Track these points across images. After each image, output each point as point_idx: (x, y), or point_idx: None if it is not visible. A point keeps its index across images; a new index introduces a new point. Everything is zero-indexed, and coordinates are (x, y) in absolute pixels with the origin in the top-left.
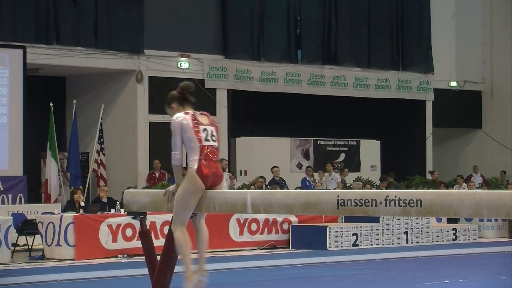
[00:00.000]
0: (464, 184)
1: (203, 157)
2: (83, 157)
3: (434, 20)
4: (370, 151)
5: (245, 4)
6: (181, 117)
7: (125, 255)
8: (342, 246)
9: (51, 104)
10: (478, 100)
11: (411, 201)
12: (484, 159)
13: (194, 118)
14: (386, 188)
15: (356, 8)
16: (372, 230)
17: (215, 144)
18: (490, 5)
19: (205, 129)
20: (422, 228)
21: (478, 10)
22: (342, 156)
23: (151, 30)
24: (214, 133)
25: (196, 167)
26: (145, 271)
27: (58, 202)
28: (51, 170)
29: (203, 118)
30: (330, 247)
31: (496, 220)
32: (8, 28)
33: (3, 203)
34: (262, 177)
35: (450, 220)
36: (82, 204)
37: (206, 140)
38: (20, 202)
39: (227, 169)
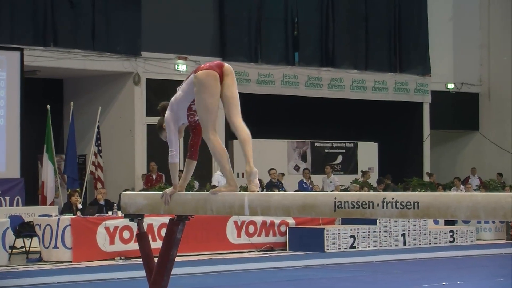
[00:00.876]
0: (462, 186)
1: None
2: (80, 159)
3: (431, 22)
4: (368, 153)
5: (243, 6)
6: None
7: (122, 258)
8: (339, 248)
9: (48, 106)
10: (475, 102)
11: (408, 203)
12: (482, 161)
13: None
14: (384, 190)
15: (353, 10)
16: (369, 232)
17: None
18: (487, 7)
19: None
20: (419, 230)
21: (475, 12)
22: (340, 158)
23: (148, 32)
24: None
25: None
26: (142, 273)
27: (56, 204)
28: (48, 172)
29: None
30: (328, 249)
31: (493, 222)
32: (5, 30)
33: (0, 205)
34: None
35: (447, 222)
36: (80, 206)
37: None
38: (17, 205)
39: None
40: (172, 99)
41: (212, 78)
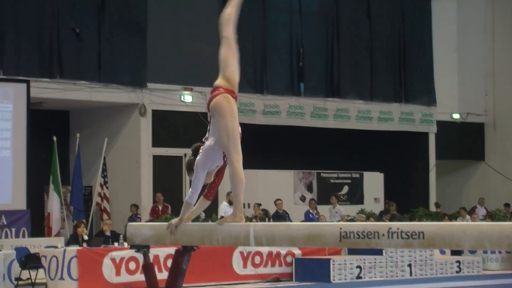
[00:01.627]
0: (468, 216)
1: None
2: (86, 191)
3: (436, 52)
4: (374, 183)
5: (248, 37)
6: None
7: None
8: (345, 279)
9: (54, 138)
10: (481, 132)
11: (414, 233)
12: (488, 191)
13: None
14: (390, 220)
15: (358, 41)
16: (375, 262)
17: None
18: (492, 37)
19: None
20: (425, 260)
21: (480, 42)
22: (346, 189)
23: (154, 63)
24: None
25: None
26: None
27: (62, 235)
28: (53, 203)
29: None
30: (334, 279)
31: (500, 252)
32: (12, 62)
33: (6, 237)
34: (260, 204)
35: (454, 252)
36: (86, 237)
37: None
38: (23, 236)
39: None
40: (206, 145)
41: (230, 100)
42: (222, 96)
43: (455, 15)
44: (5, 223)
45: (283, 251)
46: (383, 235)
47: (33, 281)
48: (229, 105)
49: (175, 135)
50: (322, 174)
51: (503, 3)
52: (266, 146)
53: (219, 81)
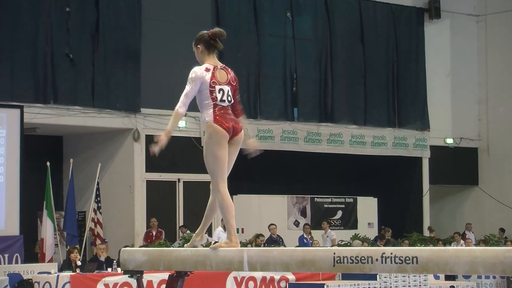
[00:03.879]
0: (462, 241)
1: (217, 111)
2: (80, 216)
3: (429, 77)
4: (367, 208)
5: (242, 63)
6: (203, 72)
7: None
8: None
9: (48, 163)
10: (474, 157)
11: (407, 258)
12: (482, 216)
13: (213, 76)
14: (384, 245)
15: (351, 66)
16: (369, 287)
17: (229, 104)
18: (485, 63)
19: (221, 89)
20: (420, 285)
21: (473, 68)
22: (339, 214)
23: (147, 88)
24: (230, 93)
25: (212, 118)
26: None
27: (55, 261)
28: (47, 229)
29: (221, 75)
30: None
31: (494, 277)
32: (6, 88)
33: None
34: (261, 235)
35: (448, 277)
36: (79, 263)
37: (222, 100)
38: (16, 262)
39: None
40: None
41: (224, 137)
42: (222, 133)
43: (449, 40)
44: None
45: (277, 276)
46: (377, 260)
47: None
48: (223, 141)
49: (168, 160)
50: (316, 199)
51: (496, 28)
52: (259, 171)
53: None
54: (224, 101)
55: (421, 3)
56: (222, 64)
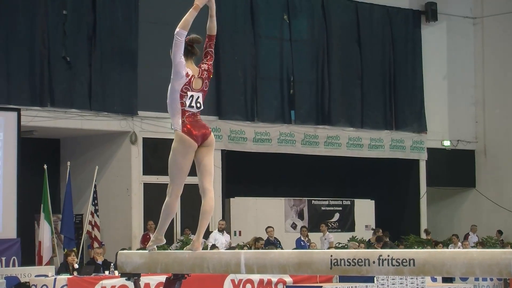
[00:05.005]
0: (459, 243)
1: (186, 119)
2: (77, 219)
3: (426, 80)
4: (365, 210)
5: (238, 65)
6: (186, 71)
7: None
8: None
9: (45, 166)
10: (471, 159)
11: (404, 260)
12: (479, 219)
13: (189, 82)
14: (382, 248)
15: (348, 69)
16: None
17: (198, 110)
18: (482, 65)
19: (191, 96)
20: (417, 287)
21: (470, 70)
22: (337, 216)
23: (144, 91)
24: (200, 99)
25: (180, 127)
26: None
27: (52, 264)
28: (44, 232)
29: (196, 84)
30: None
31: (491, 279)
32: (2, 91)
33: None
34: (260, 238)
35: (445, 280)
36: (76, 266)
37: (190, 106)
38: (13, 265)
39: (224, 230)
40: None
41: (191, 147)
42: (189, 141)
43: (445, 43)
44: None
45: (274, 278)
46: (374, 262)
47: None
48: (188, 150)
49: (166, 163)
50: (313, 201)
51: (493, 31)
52: (256, 174)
53: None
54: (192, 107)
55: (418, 5)
56: (198, 69)
